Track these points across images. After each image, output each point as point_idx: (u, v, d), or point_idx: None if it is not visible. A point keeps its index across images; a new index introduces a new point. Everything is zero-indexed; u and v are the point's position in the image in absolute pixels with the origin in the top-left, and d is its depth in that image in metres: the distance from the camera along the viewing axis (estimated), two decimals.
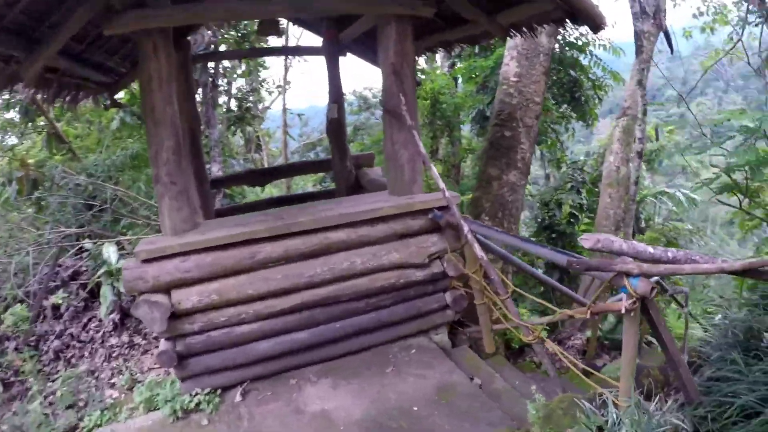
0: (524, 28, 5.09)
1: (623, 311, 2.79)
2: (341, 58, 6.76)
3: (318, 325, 4.29)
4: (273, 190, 14.58)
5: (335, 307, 4.31)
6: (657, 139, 17.44)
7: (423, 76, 12.31)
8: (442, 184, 4.07)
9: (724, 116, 3.59)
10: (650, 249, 2.92)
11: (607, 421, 2.89)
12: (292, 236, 4.03)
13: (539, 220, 11.70)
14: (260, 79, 14.48)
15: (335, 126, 6.69)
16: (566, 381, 5.57)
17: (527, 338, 3.84)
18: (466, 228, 3.98)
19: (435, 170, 4.16)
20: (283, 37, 14.18)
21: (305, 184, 16.55)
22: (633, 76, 10.93)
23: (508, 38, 7.24)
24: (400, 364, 4.40)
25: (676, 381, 3.19)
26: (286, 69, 15.80)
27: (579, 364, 3.80)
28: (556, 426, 3.12)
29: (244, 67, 13.40)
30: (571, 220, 11.42)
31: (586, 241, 2.84)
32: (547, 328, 7.52)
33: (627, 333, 3.03)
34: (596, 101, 12.93)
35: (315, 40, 7.40)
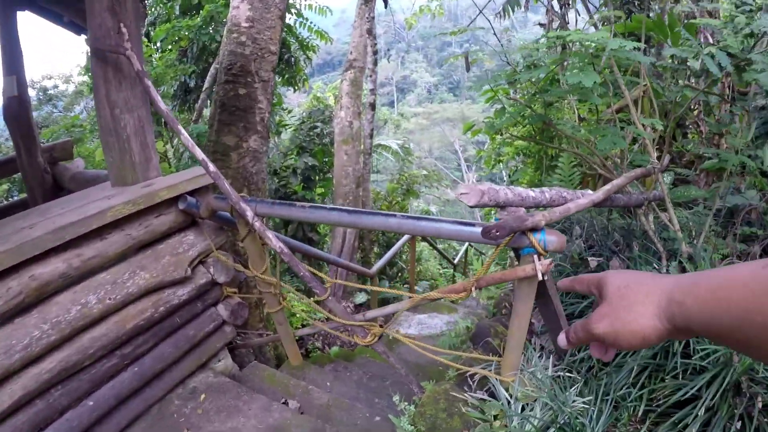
0: None
1: (541, 277, 2.07)
2: (20, 15, 4.70)
3: (62, 414, 2.61)
4: None
5: (79, 378, 2.67)
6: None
7: None
8: (201, 154, 2.71)
9: (554, 35, 3.00)
10: (531, 192, 2.22)
11: (503, 406, 2.51)
12: None
13: (272, 189, 10.77)
14: None
15: (15, 107, 4.64)
16: (368, 359, 4.88)
17: (364, 341, 2.86)
18: (249, 213, 2.74)
19: (187, 135, 2.75)
20: None
21: None
22: (358, 26, 10.45)
23: None
24: (196, 423, 3.01)
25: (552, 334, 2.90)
26: None
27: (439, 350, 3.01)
28: None
29: None
30: (306, 185, 10.72)
31: (467, 195, 2.00)
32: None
33: (523, 300, 2.47)
34: (305, 63, 12.37)
35: None
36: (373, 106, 10.20)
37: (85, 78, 16.96)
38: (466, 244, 11.73)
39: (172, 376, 3.22)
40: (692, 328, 0.69)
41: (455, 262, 10.51)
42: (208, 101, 9.71)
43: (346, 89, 9.95)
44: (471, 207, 2.03)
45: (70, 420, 2.63)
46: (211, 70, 9.83)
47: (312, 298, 2.99)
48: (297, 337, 4.63)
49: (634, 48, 2.55)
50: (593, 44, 2.84)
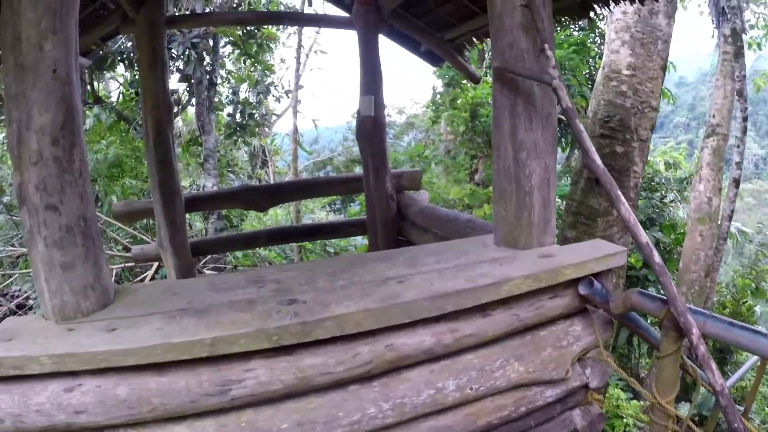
0: None
1: None
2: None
3: None
4: (279, 211, 12.11)
5: None
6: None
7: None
8: (644, 237, 1.97)
9: None
10: None
11: None
12: (315, 347, 1.81)
13: None
14: (267, 82, 12.47)
15: (370, 127, 4.62)
16: None
17: None
18: (696, 332, 1.90)
19: (628, 207, 2.02)
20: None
21: (314, 206, 14.03)
22: (721, 85, 8.93)
23: (612, 18, 5.31)
24: None
25: None
26: (299, 62, 13.24)
27: None
28: None
29: (247, 63, 11.51)
30: (648, 264, 9.24)
31: None
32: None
33: None
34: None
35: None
36: (737, 183, 8.49)
37: (420, 111, 18.04)
38: None
39: None
40: None
41: None
42: None
43: (707, 159, 8.46)
44: None
45: None
46: None
47: None
48: None
49: None
50: None
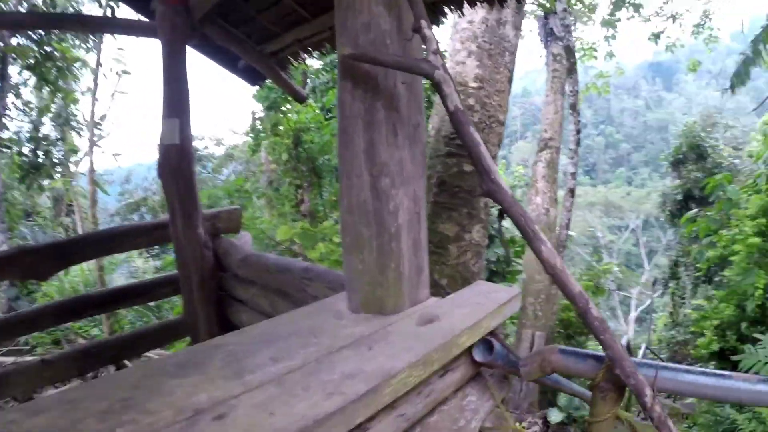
0: None
1: None
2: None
3: None
4: (85, 266, 10.14)
5: None
6: None
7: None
8: (566, 274, 1.39)
9: None
10: None
11: None
12: None
13: None
14: (69, 114, 10.76)
15: (175, 159, 3.66)
16: None
17: None
18: (648, 392, 1.38)
19: (546, 244, 1.43)
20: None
21: (129, 255, 11.98)
22: (552, 100, 9.24)
23: (457, 27, 4.97)
24: None
25: None
26: (96, 84, 10.67)
27: None
28: None
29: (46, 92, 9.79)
30: (491, 280, 9.26)
31: None
32: None
33: None
34: None
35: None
36: (572, 193, 8.77)
37: (240, 141, 16.70)
38: None
39: None
40: None
41: None
42: None
43: (542, 172, 8.64)
44: None
45: None
46: None
47: None
48: None
49: None
50: None
